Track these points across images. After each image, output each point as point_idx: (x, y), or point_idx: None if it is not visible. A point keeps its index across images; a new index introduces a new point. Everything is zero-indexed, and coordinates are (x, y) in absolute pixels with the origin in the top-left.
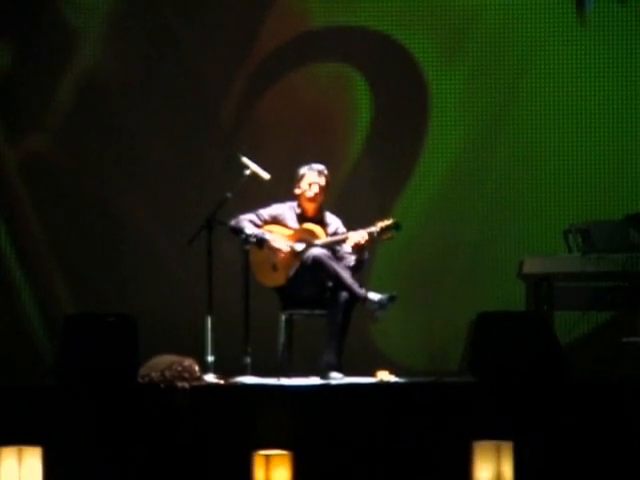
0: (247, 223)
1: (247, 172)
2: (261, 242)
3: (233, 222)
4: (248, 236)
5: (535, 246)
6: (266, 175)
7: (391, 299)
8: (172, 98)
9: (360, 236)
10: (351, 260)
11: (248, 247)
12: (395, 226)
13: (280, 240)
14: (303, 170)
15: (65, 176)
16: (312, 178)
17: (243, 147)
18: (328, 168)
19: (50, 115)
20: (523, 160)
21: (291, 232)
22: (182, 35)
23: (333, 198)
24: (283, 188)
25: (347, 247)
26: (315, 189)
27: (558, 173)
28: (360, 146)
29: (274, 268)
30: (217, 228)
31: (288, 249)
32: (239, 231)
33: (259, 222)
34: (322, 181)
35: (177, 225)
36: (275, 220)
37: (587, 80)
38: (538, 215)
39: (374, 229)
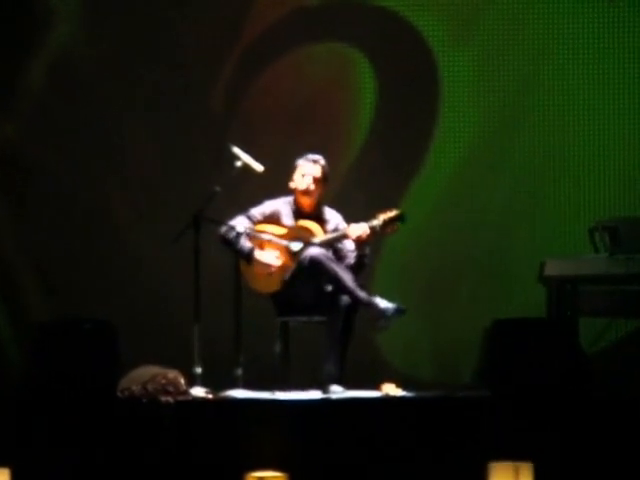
0: (240, 233)
1: (238, 164)
2: (249, 259)
3: (223, 231)
4: (237, 251)
5: (557, 246)
6: (259, 167)
7: (398, 311)
8: (155, 83)
9: (361, 229)
10: (353, 258)
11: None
12: (400, 218)
13: (269, 254)
14: (299, 161)
15: (37, 169)
16: (305, 169)
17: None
18: (328, 159)
19: (20, 101)
20: (544, 150)
21: (285, 231)
22: (166, 14)
23: (334, 192)
24: (278, 181)
25: (349, 244)
26: (308, 180)
27: (583, 165)
28: (363, 135)
29: (268, 273)
30: (205, 226)
31: (279, 263)
32: (229, 244)
33: (251, 225)
34: (317, 172)
35: (161, 222)
36: (269, 218)
37: (614, 63)
38: (561, 211)
39: (376, 222)
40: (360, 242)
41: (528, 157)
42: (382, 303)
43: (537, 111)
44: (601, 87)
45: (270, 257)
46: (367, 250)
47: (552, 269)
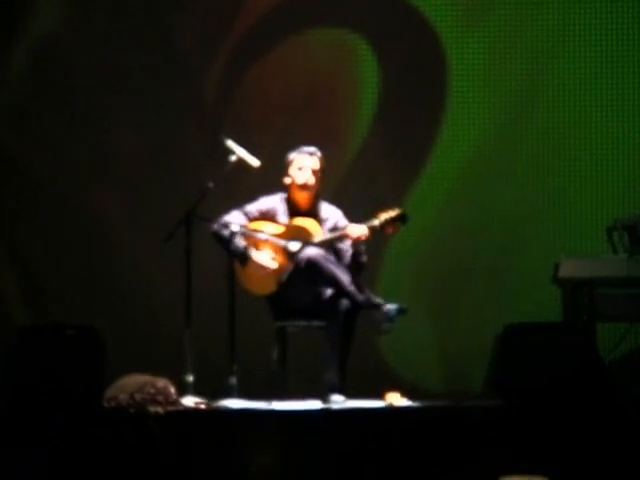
0: (233, 229)
1: (233, 158)
2: (243, 259)
3: (217, 227)
4: (230, 250)
5: (573, 246)
6: (255, 161)
7: (400, 312)
8: (146, 72)
9: (361, 230)
10: (348, 257)
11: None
12: (401, 218)
13: (265, 254)
14: (292, 155)
15: (18, 165)
16: (302, 161)
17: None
18: (328, 154)
19: (0, 92)
20: (558, 144)
21: (282, 229)
22: (156, 1)
23: (334, 189)
24: (275, 177)
25: (346, 243)
26: (307, 174)
27: (600, 159)
28: (365, 128)
29: (263, 274)
30: (197, 224)
31: (275, 266)
32: (223, 241)
33: (247, 221)
34: (315, 164)
35: (151, 220)
36: (264, 216)
37: (633, 53)
38: (577, 209)
39: (376, 222)
40: (357, 241)
41: (540, 151)
42: (384, 305)
43: (550, 103)
44: (619, 77)
45: (266, 258)
46: (362, 248)
47: (567, 270)
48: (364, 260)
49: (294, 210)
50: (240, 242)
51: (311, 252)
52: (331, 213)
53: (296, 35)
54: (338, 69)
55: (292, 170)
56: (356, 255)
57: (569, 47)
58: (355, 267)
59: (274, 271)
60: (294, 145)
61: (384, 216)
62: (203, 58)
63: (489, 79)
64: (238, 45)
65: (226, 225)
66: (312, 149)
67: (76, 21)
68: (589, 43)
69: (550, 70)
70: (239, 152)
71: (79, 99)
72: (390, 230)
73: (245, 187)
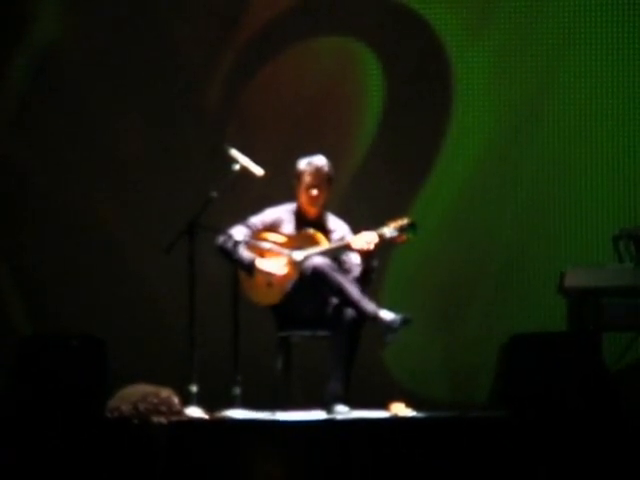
0: (239, 242)
1: (236, 167)
2: (250, 269)
3: (221, 240)
4: (236, 262)
5: (579, 255)
6: (259, 171)
7: (404, 322)
8: (148, 79)
9: (365, 240)
10: (359, 272)
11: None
12: (411, 227)
13: (272, 263)
14: (301, 166)
15: (19, 173)
16: (310, 175)
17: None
18: (332, 163)
19: (3, 102)
20: (564, 154)
21: (286, 239)
22: (158, 7)
23: (339, 199)
24: (279, 186)
25: (355, 257)
26: (315, 185)
27: (607, 169)
28: (370, 137)
29: (268, 284)
30: (200, 234)
31: (283, 272)
32: (228, 254)
33: (251, 233)
34: (322, 177)
35: (153, 230)
36: (270, 227)
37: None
38: (582, 218)
39: (386, 230)
40: (366, 254)
41: (548, 161)
42: (388, 315)
43: (556, 112)
44: (626, 85)
45: (273, 265)
46: (374, 264)
47: (573, 280)
48: (374, 277)
49: (301, 221)
50: (246, 252)
51: (317, 261)
52: (338, 226)
53: (301, 43)
54: (343, 77)
55: (301, 181)
56: (367, 271)
57: (575, 55)
58: (364, 282)
59: (279, 281)
60: (298, 154)
61: (393, 224)
62: (207, 65)
63: (494, 87)
64: (242, 53)
65: (230, 236)
66: (320, 161)
67: (78, 28)
68: (595, 51)
69: (556, 79)
70: (243, 161)
71: (80, 106)
72: (398, 240)
73: (249, 197)
